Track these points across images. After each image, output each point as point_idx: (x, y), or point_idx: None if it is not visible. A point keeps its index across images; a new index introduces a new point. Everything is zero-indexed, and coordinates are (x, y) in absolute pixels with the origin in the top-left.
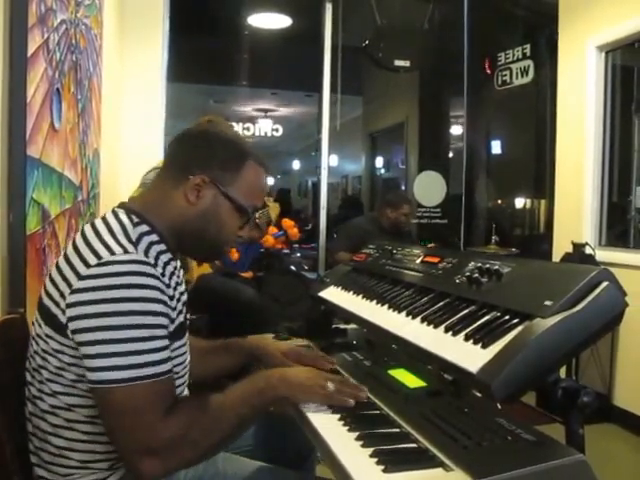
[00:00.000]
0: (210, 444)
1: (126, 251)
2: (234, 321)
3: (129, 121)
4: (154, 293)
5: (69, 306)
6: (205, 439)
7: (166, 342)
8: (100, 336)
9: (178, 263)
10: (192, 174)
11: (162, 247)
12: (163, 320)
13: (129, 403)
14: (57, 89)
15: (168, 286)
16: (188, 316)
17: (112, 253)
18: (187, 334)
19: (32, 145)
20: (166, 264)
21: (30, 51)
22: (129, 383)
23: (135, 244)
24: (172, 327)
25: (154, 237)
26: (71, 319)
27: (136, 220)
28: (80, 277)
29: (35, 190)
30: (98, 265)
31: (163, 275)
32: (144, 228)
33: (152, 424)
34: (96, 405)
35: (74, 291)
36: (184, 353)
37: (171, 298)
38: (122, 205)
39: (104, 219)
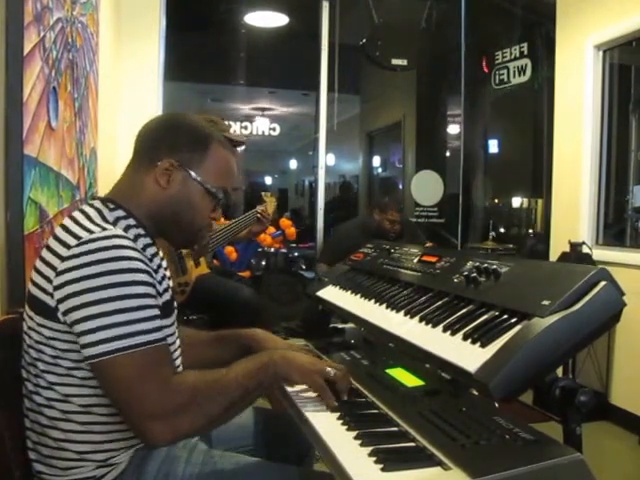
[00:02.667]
0: (217, 411)
1: (104, 229)
2: (232, 321)
3: (126, 120)
4: (137, 264)
5: (56, 288)
6: (211, 405)
7: (156, 312)
8: (90, 311)
9: (161, 253)
10: (160, 159)
11: (140, 231)
12: (150, 290)
13: (130, 371)
14: (54, 88)
15: (151, 260)
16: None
17: (91, 232)
18: (175, 317)
19: (29, 144)
20: (146, 246)
21: (26, 50)
22: (125, 352)
23: (113, 224)
24: (160, 301)
25: (131, 221)
26: (60, 300)
27: (112, 206)
28: (63, 259)
29: (32, 189)
30: (78, 245)
31: (144, 250)
32: (120, 213)
33: (157, 389)
34: (100, 381)
35: (59, 273)
36: (173, 334)
37: (155, 272)
38: (96, 197)
39: (81, 209)
